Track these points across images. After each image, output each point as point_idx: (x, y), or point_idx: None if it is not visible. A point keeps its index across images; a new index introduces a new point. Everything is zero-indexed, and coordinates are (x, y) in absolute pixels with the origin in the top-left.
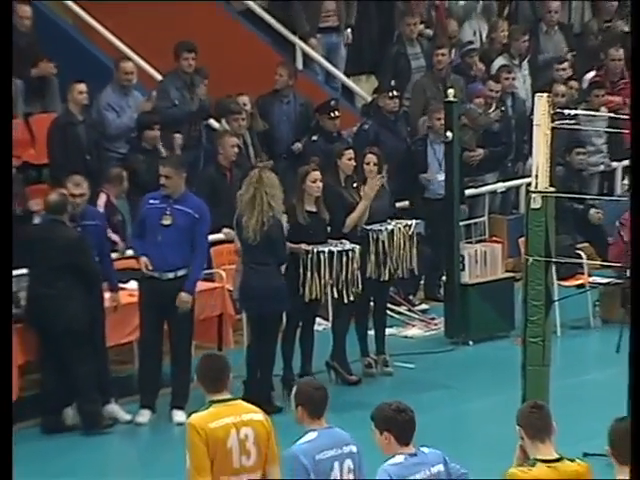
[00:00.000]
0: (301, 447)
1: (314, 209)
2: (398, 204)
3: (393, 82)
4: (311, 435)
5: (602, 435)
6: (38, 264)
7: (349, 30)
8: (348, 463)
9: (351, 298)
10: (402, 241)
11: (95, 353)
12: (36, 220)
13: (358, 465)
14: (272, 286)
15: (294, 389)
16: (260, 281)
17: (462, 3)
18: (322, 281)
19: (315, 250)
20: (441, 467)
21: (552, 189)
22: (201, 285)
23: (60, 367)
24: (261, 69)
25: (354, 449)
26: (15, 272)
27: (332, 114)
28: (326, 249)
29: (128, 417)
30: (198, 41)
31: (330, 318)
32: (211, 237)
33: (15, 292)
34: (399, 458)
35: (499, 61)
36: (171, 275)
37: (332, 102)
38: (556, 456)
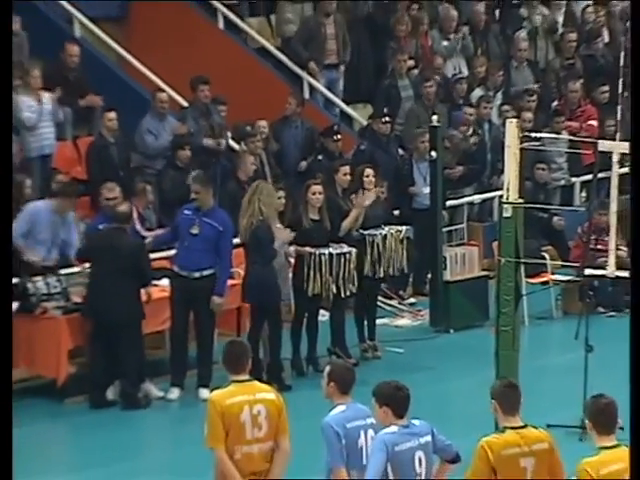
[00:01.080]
0: (334, 417)
1: (317, 217)
2: (390, 213)
3: (386, 109)
4: (341, 408)
5: (563, 409)
6: (101, 264)
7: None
8: (371, 433)
9: (348, 293)
10: (394, 244)
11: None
12: (100, 226)
13: (378, 433)
14: (263, 281)
15: (328, 368)
16: (253, 276)
17: (445, 43)
18: (323, 278)
19: (317, 252)
20: (429, 438)
21: (521, 200)
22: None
23: (108, 352)
24: (273, 98)
25: (374, 421)
26: (64, 271)
27: (335, 137)
28: (327, 251)
29: (160, 394)
30: (220, 73)
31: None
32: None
33: (64, 288)
34: (393, 428)
35: (477, 92)
36: (197, 274)
37: (334, 127)
38: (522, 424)
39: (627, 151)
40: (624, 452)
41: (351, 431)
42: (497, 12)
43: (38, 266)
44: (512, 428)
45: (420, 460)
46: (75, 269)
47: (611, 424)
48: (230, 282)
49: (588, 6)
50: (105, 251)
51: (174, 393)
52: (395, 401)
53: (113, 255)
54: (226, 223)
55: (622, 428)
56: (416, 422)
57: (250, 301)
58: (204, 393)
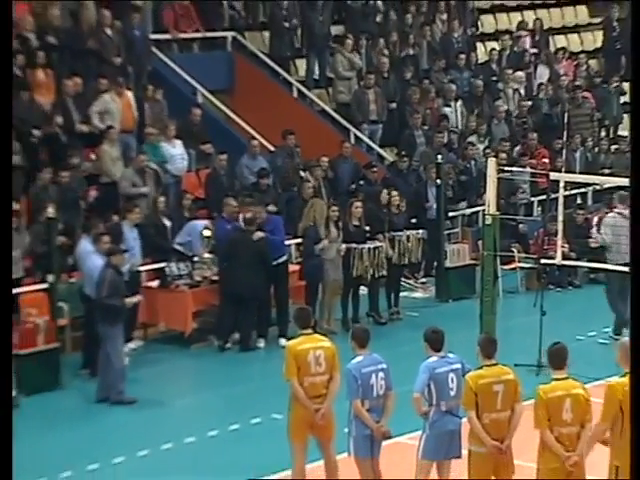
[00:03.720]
0: (353, 364)
1: (358, 223)
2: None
3: (404, 152)
4: (359, 358)
5: (525, 353)
6: (235, 253)
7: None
8: (380, 374)
9: (380, 274)
10: (412, 242)
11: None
12: (228, 226)
13: (386, 375)
14: (313, 267)
15: (351, 331)
16: (307, 264)
17: (446, 109)
18: (363, 265)
19: (359, 247)
20: (459, 365)
21: (497, 213)
22: (292, 267)
23: (233, 314)
24: (330, 143)
25: (384, 366)
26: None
27: (372, 170)
28: (365, 246)
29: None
30: (295, 127)
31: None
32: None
33: (190, 271)
34: (434, 358)
35: (470, 139)
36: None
37: (372, 163)
38: (495, 362)
39: (569, 180)
40: (570, 383)
41: (365, 374)
42: (482, 86)
43: (187, 254)
44: (488, 366)
45: (452, 380)
46: (196, 258)
47: (562, 362)
48: (297, 267)
49: (542, 84)
50: (239, 244)
51: (261, 342)
52: (431, 339)
53: (245, 247)
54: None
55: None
56: (451, 355)
57: (307, 280)
58: (283, 342)
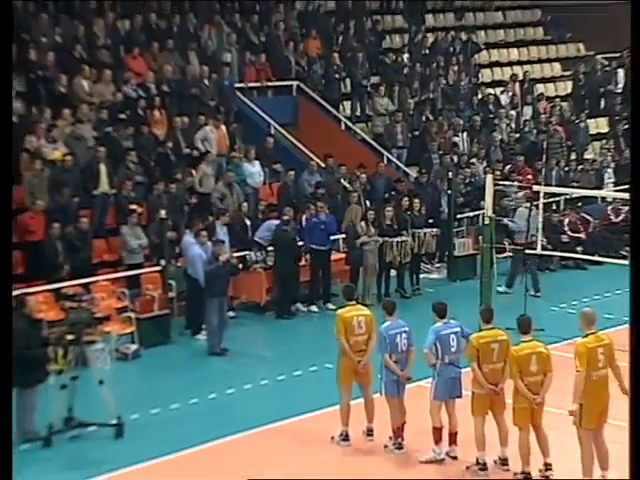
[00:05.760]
0: (383, 328)
1: (389, 223)
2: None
3: (424, 170)
4: (387, 323)
5: (513, 319)
6: (283, 246)
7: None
8: (404, 335)
9: (405, 261)
10: (430, 237)
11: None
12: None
13: (409, 336)
14: (354, 256)
15: (382, 302)
16: (350, 253)
17: (457, 138)
18: (393, 253)
19: (390, 240)
20: (459, 329)
21: (493, 215)
22: (340, 255)
23: (287, 289)
24: (368, 162)
25: (407, 329)
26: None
27: (400, 183)
28: (394, 240)
29: (307, 310)
30: (341, 151)
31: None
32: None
33: (264, 257)
34: (439, 323)
35: (473, 160)
36: (324, 248)
37: (400, 178)
38: (492, 326)
39: (547, 191)
40: (535, 343)
41: (391, 335)
42: (481, 121)
43: (263, 245)
44: (487, 329)
45: (453, 339)
46: (269, 248)
47: (528, 328)
48: (342, 255)
49: (526, 120)
50: (284, 240)
51: (314, 307)
52: (438, 309)
53: (290, 241)
54: (334, 223)
55: (542, 329)
56: (452, 321)
57: (351, 265)
58: (330, 306)
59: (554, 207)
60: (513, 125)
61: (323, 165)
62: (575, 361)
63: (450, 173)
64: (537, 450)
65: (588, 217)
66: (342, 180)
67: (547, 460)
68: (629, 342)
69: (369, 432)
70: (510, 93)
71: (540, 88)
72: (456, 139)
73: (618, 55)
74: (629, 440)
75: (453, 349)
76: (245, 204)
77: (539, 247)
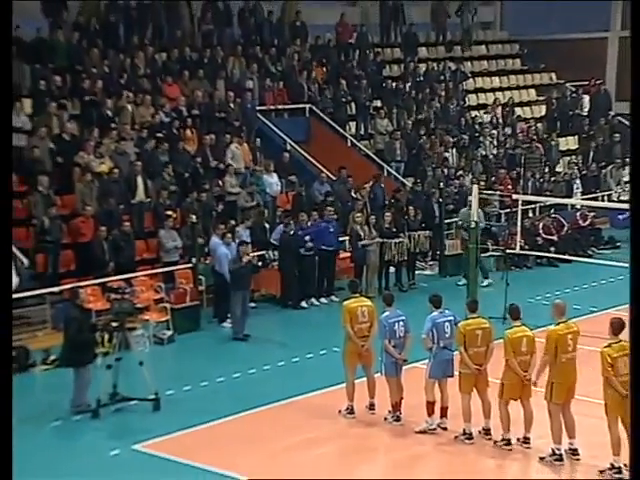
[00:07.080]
0: (383, 317)
1: (388, 226)
2: (422, 225)
3: (419, 181)
4: (387, 312)
5: (495, 309)
6: (284, 247)
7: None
8: (401, 323)
9: (402, 259)
10: (424, 238)
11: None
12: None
13: (405, 324)
14: (358, 255)
15: (382, 295)
16: (354, 252)
17: (447, 154)
18: (392, 252)
19: (389, 241)
20: (452, 317)
21: (478, 220)
22: (345, 254)
23: (298, 284)
24: (371, 175)
25: (404, 318)
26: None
27: (399, 193)
28: (392, 241)
29: (317, 303)
30: (349, 165)
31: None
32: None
33: (267, 255)
34: (435, 313)
35: (461, 172)
36: (331, 249)
37: (399, 188)
38: (477, 316)
39: (525, 199)
40: (524, 328)
41: (391, 323)
42: (469, 139)
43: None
44: (472, 318)
45: (447, 327)
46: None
47: (517, 315)
48: (348, 254)
49: (506, 138)
50: (286, 240)
51: (322, 300)
52: (434, 301)
53: (289, 243)
54: (336, 227)
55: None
56: (447, 311)
57: (355, 263)
58: (335, 299)
59: (530, 214)
60: (495, 142)
61: (334, 177)
62: (545, 345)
63: (441, 184)
64: (519, 422)
65: (562, 220)
66: (350, 189)
67: (527, 435)
68: (629, 342)
69: (371, 407)
70: (493, 115)
71: (518, 111)
72: (446, 154)
73: (585, 83)
74: (629, 440)
75: (447, 335)
76: (265, 210)
77: (518, 247)
